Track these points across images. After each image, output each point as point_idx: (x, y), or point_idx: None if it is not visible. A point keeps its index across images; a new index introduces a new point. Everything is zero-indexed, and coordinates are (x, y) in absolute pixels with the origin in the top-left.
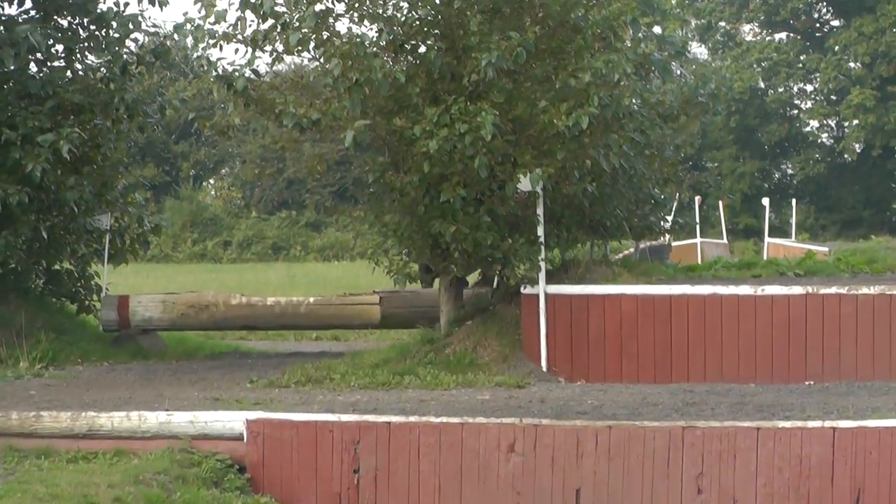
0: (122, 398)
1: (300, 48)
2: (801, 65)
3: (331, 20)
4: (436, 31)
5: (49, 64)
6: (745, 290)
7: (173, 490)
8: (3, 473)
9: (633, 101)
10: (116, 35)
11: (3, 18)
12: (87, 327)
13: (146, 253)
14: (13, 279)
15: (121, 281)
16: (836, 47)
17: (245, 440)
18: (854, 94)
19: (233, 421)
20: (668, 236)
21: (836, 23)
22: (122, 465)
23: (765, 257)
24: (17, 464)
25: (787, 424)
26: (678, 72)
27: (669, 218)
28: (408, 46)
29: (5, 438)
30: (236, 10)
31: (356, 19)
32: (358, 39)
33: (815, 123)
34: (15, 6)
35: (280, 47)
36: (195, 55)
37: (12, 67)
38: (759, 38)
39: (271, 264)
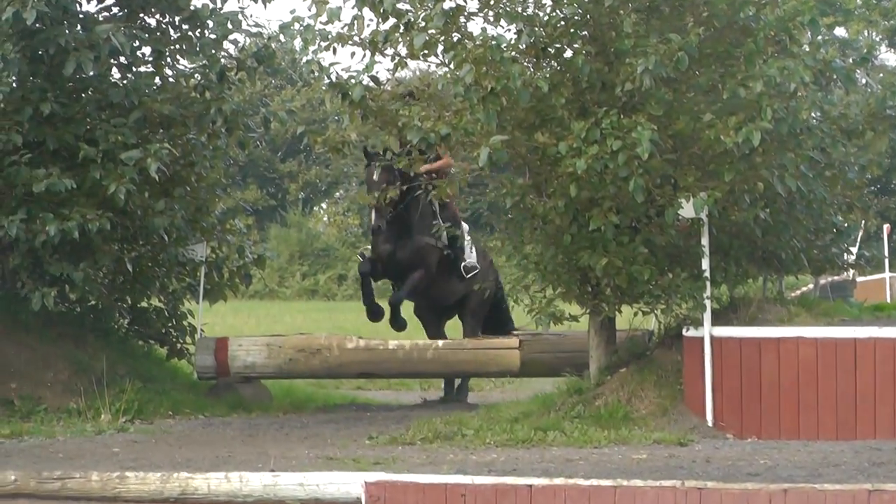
0: (220, 457)
1: (426, 52)
2: None
3: (462, 19)
4: (584, 33)
5: (134, 69)
6: None
7: None
8: None
9: (812, 114)
10: (213, 36)
11: (82, 17)
12: (179, 374)
13: (248, 288)
14: (93, 318)
15: (218, 321)
16: None
17: None
18: None
19: (349, 483)
20: (852, 271)
21: None
22: None
23: None
24: None
25: None
26: (863, 81)
27: (854, 249)
28: (551, 50)
29: (86, 502)
30: (352, 8)
31: (491, 18)
32: (494, 42)
33: None
34: (95, 2)
35: (403, 51)
36: (304, 59)
37: (92, 73)
38: None
39: None
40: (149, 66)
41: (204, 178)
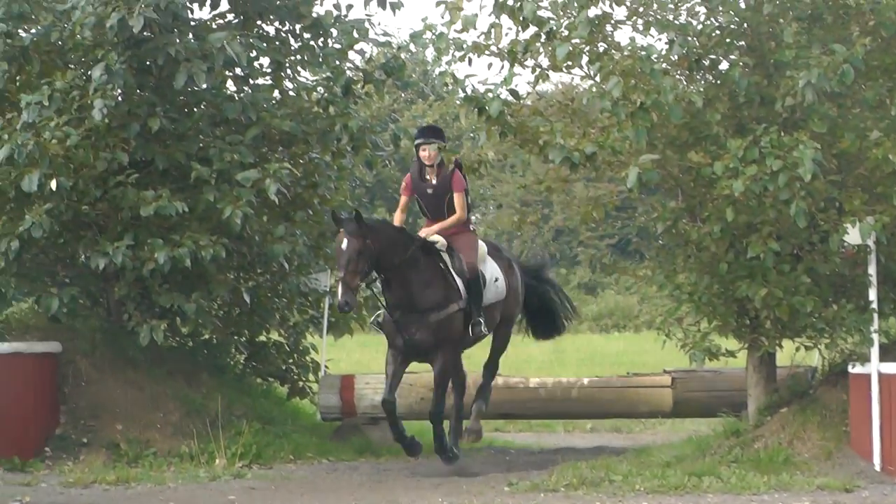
0: None
1: (570, 63)
2: None
3: (608, 28)
4: (741, 43)
5: (251, 82)
6: None
7: None
8: None
9: None
10: (337, 46)
11: (194, 24)
12: (301, 415)
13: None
14: (207, 354)
15: (344, 357)
16: None
17: None
18: None
19: None
20: None
21: None
22: None
23: None
24: None
25: None
26: None
27: None
28: (706, 62)
29: None
30: (489, 15)
31: (640, 27)
32: (643, 53)
33: None
34: (208, 9)
35: (544, 62)
36: (437, 71)
37: (205, 86)
38: None
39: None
40: (267, 78)
41: (328, 201)
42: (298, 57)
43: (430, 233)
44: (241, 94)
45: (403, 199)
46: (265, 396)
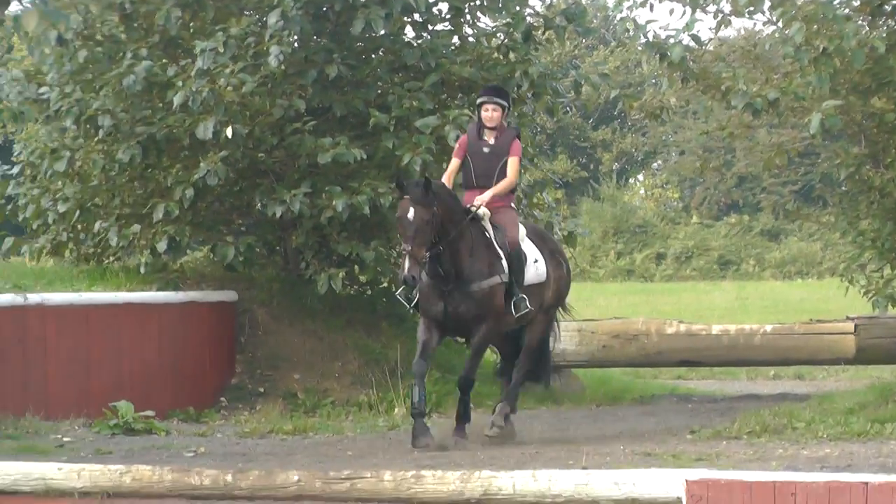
0: (526, 454)
1: (752, 8)
2: None
3: None
4: None
5: (430, 28)
6: None
7: None
8: None
9: None
10: None
11: None
12: (484, 363)
13: None
14: (386, 303)
15: None
16: None
17: None
18: None
19: (668, 482)
20: None
21: None
22: None
23: None
24: None
25: None
26: None
27: None
28: (888, 7)
29: None
30: None
31: None
32: None
33: None
34: None
35: (727, 7)
36: (618, 17)
37: (383, 32)
38: None
39: (717, 283)
40: (446, 24)
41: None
42: (478, 2)
43: (483, 201)
44: (420, 41)
45: (455, 162)
46: (446, 345)
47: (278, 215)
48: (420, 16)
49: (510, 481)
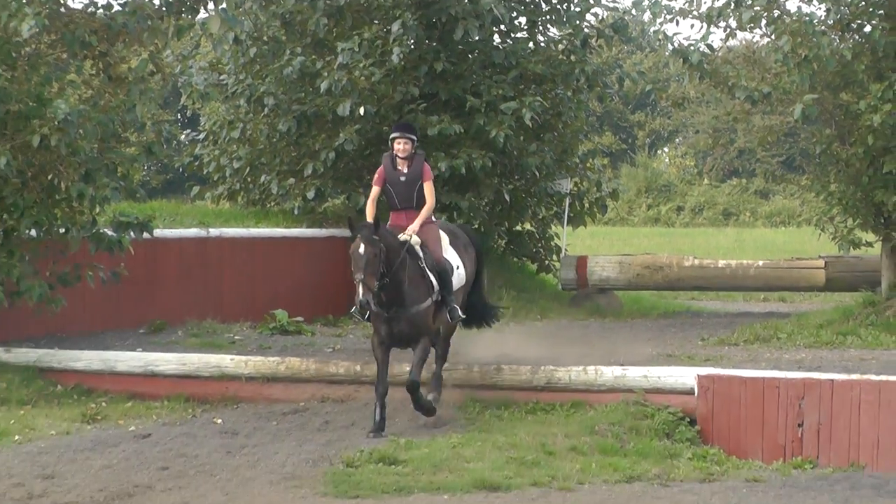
0: (578, 353)
1: (752, 25)
2: None
3: None
4: (880, 12)
5: (512, 35)
6: None
7: (627, 440)
8: (465, 423)
9: None
10: (577, 9)
11: None
12: (547, 286)
13: (603, 216)
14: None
15: (578, 242)
16: None
17: (696, 395)
18: None
19: (684, 376)
20: None
21: None
22: (579, 417)
23: None
24: (479, 414)
25: None
26: None
27: None
28: (854, 26)
29: (467, 390)
30: None
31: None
32: (807, 18)
33: None
34: None
35: (733, 24)
36: (652, 30)
37: (477, 38)
38: None
39: (721, 229)
40: (524, 32)
41: (569, 126)
42: (548, 17)
43: (411, 232)
44: (504, 45)
45: (375, 190)
46: (519, 271)
47: None
48: (505, 26)
49: (567, 374)
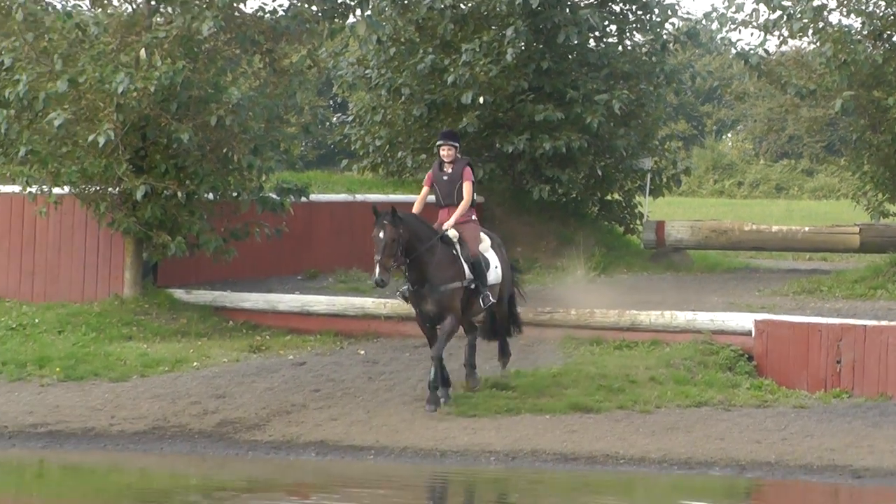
0: (656, 301)
1: (801, 34)
2: None
3: (825, 13)
4: None
5: (604, 40)
6: None
7: (696, 372)
8: (563, 356)
9: None
10: (658, 19)
11: (570, 3)
12: (631, 245)
13: (678, 189)
14: (574, 206)
15: (657, 210)
16: None
17: (753, 336)
18: None
19: (744, 320)
20: None
21: None
22: (657, 353)
23: None
24: (574, 349)
25: None
26: None
27: None
28: (885, 35)
29: (565, 329)
30: (752, 3)
31: (845, 13)
32: (846, 29)
33: None
34: None
35: (785, 33)
36: (719, 37)
37: (575, 42)
38: None
39: (774, 201)
40: (614, 38)
41: (650, 115)
42: (634, 25)
43: (448, 226)
44: (598, 47)
45: (425, 190)
46: (609, 233)
47: (509, 151)
48: (598, 32)
49: (647, 317)
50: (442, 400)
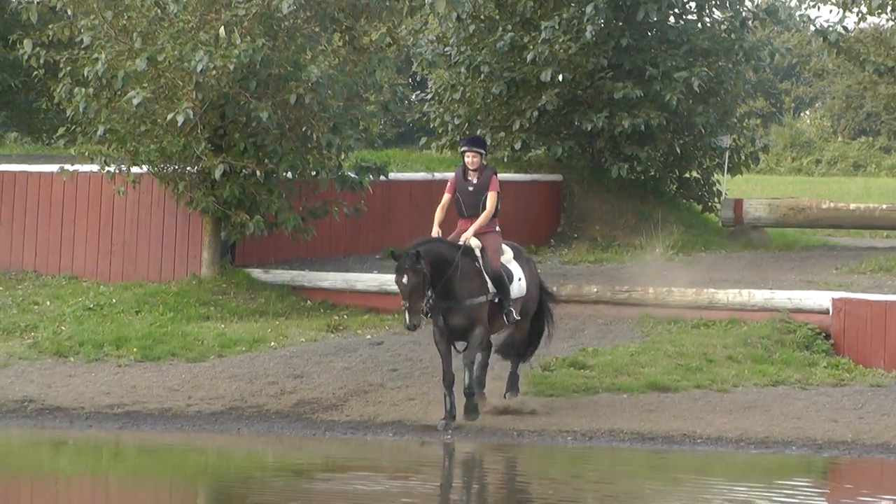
0: (734, 279)
1: (879, 10)
2: None
3: None
4: None
5: (684, 17)
6: None
7: (773, 351)
8: (641, 335)
9: None
10: None
11: None
12: (709, 223)
13: (756, 166)
14: (652, 184)
15: (735, 188)
16: None
17: (830, 314)
18: None
19: (821, 299)
20: None
21: None
22: (734, 331)
23: None
24: (652, 328)
25: None
26: None
27: None
28: None
29: (643, 308)
30: None
31: None
32: None
33: None
34: None
35: (864, 9)
36: (798, 14)
37: (655, 18)
38: None
39: (852, 178)
40: (693, 14)
41: (729, 92)
42: (713, 1)
43: (468, 236)
44: (678, 24)
45: (447, 198)
46: (687, 211)
47: (588, 129)
48: (678, 9)
49: (725, 295)
50: (448, 431)
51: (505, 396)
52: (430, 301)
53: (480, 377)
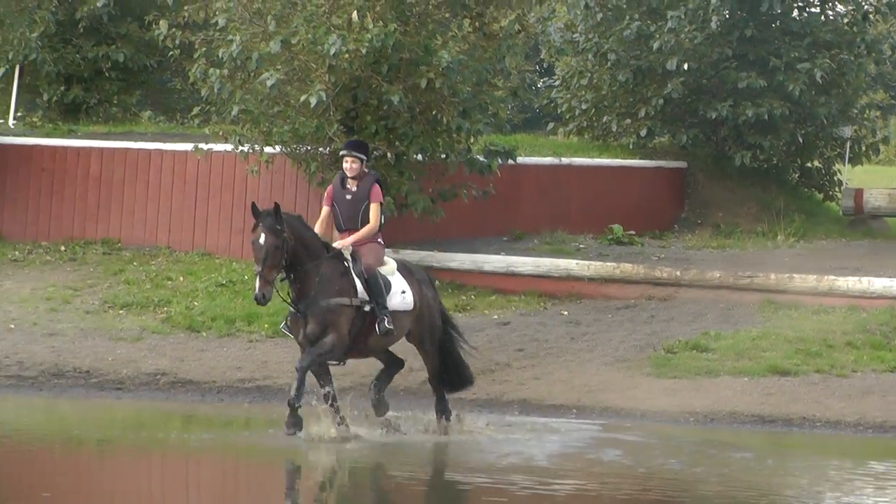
0: (854, 267)
1: None
2: None
3: None
4: None
5: (807, 10)
6: None
7: (892, 338)
8: (762, 320)
9: None
10: None
11: None
12: (830, 212)
13: (876, 157)
14: (775, 173)
15: (856, 178)
16: None
17: None
18: None
19: None
20: None
21: None
22: (853, 318)
23: None
24: (773, 313)
25: None
26: None
27: None
28: None
29: (764, 294)
30: None
31: None
32: None
33: None
34: None
35: None
36: None
37: (778, 11)
38: None
39: None
40: (816, 7)
41: (851, 84)
42: None
43: (345, 245)
44: (801, 16)
45: (325, 210)
46: (808, 200)
47: (713, 117)
48: (801, 2)
49: (845, 283)
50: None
51: (440, 422)
52: (291, 276)
53: (381, 385)
